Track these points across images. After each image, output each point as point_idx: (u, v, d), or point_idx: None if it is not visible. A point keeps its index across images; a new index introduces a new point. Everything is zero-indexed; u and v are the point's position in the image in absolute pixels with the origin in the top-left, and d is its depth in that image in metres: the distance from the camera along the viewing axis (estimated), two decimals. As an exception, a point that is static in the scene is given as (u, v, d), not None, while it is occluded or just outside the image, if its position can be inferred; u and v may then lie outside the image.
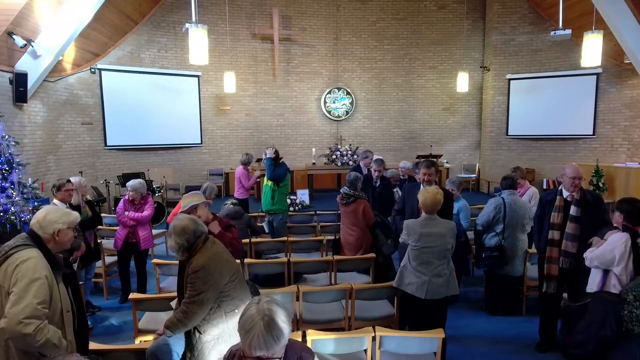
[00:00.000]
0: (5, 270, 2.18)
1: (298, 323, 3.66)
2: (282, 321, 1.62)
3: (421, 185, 4.38)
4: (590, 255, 3.31)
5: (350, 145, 11.09)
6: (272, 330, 1.57)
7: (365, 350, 2.95)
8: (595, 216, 3.67)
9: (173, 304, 3.02)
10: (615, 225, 3.46)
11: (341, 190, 4.96)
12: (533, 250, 4.60)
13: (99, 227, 5.50)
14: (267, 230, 6.13)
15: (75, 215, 2.48)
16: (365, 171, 5.89)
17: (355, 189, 4.82)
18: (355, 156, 10.53)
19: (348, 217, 4.85)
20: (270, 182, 5.87)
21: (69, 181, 4.48)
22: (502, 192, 4.77)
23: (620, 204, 3.39)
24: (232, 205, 5.21)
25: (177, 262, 3.31)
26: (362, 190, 4.99)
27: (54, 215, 2.36)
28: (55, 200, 4.35)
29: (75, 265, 4.34)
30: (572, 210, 3.69)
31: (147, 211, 5.09)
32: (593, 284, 3.38)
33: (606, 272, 3.26)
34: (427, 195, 3.47)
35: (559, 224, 3.77)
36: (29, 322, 2.06)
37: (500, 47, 11.57)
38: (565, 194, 3.77)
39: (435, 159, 11.14)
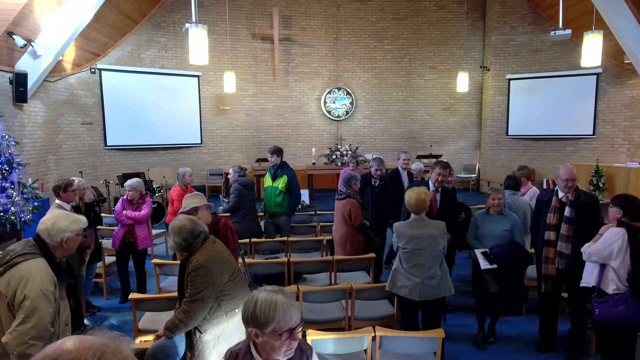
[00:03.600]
0: (9, 280, 2.15)
1: (298, 323, 3.66)
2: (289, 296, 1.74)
3: (430, 185, 4.44)
4: (589, 250, 3.33)
5: (350, 145, 11.09)
6: (289, 298, 1.69)
7: (365, 350, 2.95)
8: (589, 218, 3.67)
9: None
10: (614, 222, 3.46)
11: None
12: (532, 250, 4.60)
13: (99, 227, 5.49)
14: (264, 231, 6.08)
15: (84, 222, 2.46)
16: (405, 174, 5.90)
17: (348, 188, 4.83)
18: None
19: (337, 213, 4.90)
20: (280, 185, 5.67)
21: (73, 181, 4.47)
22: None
23: (618, 200, 3.40)
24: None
25: (177, 262, 3.32)
26: (360, 190, 5.00)
27: (63, 223, 2.31)
28: (57, 201, 4.31)
29: (83, 269, 4.34)
30: (566, 211, 3.69)
31: (145, 210, 5.08)
32: (590, 279, 3.40)
33: (603, 267, 3.28)
34: (412, 195, 3.44)
35: (554, 224, 3.77)
36: (34, 343, 2.08)
37: (500, 47, 11.58)
38: (561, 194, 3.77)
39: (435, 159, 11.15)
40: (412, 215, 3.49)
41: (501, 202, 4.03)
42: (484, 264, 3.85)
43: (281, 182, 5.67)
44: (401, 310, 3.68)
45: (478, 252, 3.93)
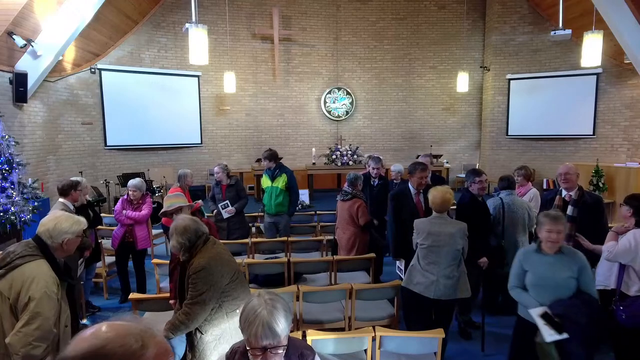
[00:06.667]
0: (11, 282, 2.15)
1: (298, 323, 3.66)
2: (284, 310, 1.68)
3: (411, 188, 4.33)
4: (615, 250, 3.22)
5: (350, 145, 11.08)
6: (275, 319, 1.63)
7: (365, 350, 2.95)
8: (592, 217, 3.66)
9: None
10: (624, 220, 3.44)
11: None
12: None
13: (99, 227, 5.50)
14: (264, 232, 6.11)
15: (84, 223, 2.47)
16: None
17: (354, 188, 4.84)
18: (355, 156, 10.52)
19: (343, 214, 4.87)
20: (280, 185, 5.71)
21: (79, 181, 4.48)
22: (500, 192, 4.76)
23: (629, 200, 3.40)
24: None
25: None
26: (361, 190, 5.02)
27: (64, 225, 2.32)
28: (61, 200, 4.31)
29: (81, 268, 4.34)
30: (569, 210, 3.71)
31: (145, 211, 5.09)
32: (607, 281, 3.34)
33: (622, 268, 3.22)
34: (437, 194, 3.47)
35: None
36: (39, 344, 2.10)
37: (500, 47, 11.57)
38: (564, 193, 3.78)
39: (435, 159, 11.13)
40: (434, 213, 3.53)
41: (562, 237, 2.81)
42: (549, 334, 2.58)
43: (281, 182, 5.71)
44: (410, 308, 3.66)
45: (535, 315, 2.69)
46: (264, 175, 5.93)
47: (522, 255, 3.00)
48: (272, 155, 5.77)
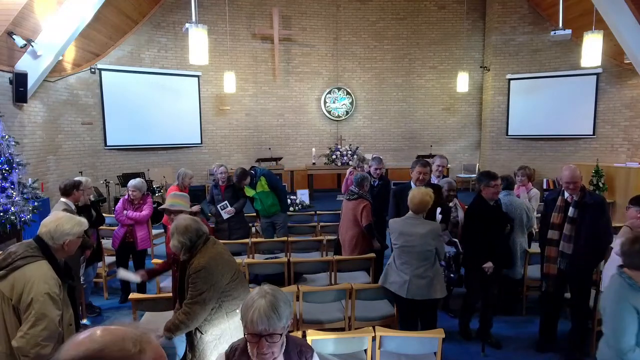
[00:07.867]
0: (13, 283, 2.14)
1: (298, 323, 3.66)
2: (283, 300, 1.70)
3: (413, 185, 4.35)
4: None
5: (350, 145, 11.09)
6: (273, 305, 1.65)
7: (365, 350, 2.95)
8: (594, 219, 3.65)
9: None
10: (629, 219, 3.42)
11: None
12: (532, 250, 4.60)
13: (100, 227, 5.49)
14: (262, 233, 6.12)
15: (85, 224, 2.47)
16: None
17: (361, 188, 4.86)
18: (355, 156, 10.51)
19: (347, 214, 4.87)
20: (263, 188, 5.72)
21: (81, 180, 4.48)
22: None
23: (636, 200, 3.38)
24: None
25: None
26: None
27: (66, 226, 2.31)
28: (63, 199, 4.30)
29: (82, 268, 4.35)
30: (570, 211, 3.70)
31: (145, 211, 5.09)
32: None
33: None
34: (416, 194, 3.46)
35: (558, 224, 3.78)
36: (47, 344, 2.11)
37: (500, 47, 11.57)
38: (567, 194, 3.78)
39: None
40: (409, 213, 3.52)
41: None
42: None
43: (263, 185, 5.74)
44: (398, 309, 3.69)
45: None
46: (245, 187, 5.86)
47: (627, 298, 2.24)
48: (243, 175, 5.65)
